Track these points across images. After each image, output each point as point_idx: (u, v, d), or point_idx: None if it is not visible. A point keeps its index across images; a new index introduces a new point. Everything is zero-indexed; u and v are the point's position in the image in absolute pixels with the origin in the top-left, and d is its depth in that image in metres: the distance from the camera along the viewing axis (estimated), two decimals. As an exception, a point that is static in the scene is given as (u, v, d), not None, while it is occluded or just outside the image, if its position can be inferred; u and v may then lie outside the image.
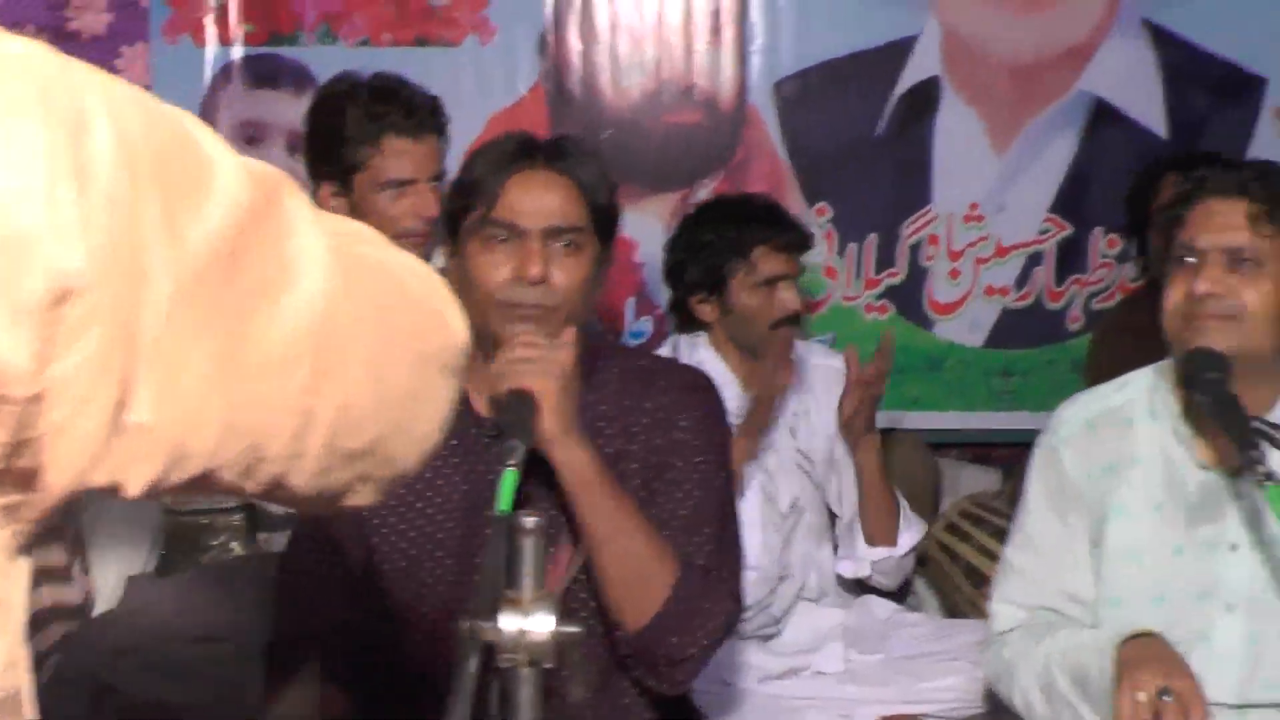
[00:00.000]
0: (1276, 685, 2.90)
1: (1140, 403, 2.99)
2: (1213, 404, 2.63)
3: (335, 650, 2.85)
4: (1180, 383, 2.77)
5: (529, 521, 1.92)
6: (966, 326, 5.40)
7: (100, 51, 5.23)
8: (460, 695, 1.84)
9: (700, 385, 2.94)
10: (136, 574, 3.39)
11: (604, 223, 2.82)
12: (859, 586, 4.32)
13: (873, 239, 5.35)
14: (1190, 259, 2.81)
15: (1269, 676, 2.89)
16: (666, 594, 2.65)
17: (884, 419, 5.06)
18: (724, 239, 4.16)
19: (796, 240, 4.18)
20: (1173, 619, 2.89)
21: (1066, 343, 5.30)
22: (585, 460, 2.62)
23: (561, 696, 2.59)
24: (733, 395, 4.09)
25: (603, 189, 2.83)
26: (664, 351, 4.34)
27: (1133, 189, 4.72)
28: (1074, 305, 5.37)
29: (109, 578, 3.38)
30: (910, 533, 4.20)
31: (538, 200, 2.73)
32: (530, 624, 1.88)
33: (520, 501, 2.67)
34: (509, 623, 1.88)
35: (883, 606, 4.27)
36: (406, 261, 1.30)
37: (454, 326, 1.35)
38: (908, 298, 5.38)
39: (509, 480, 2.25)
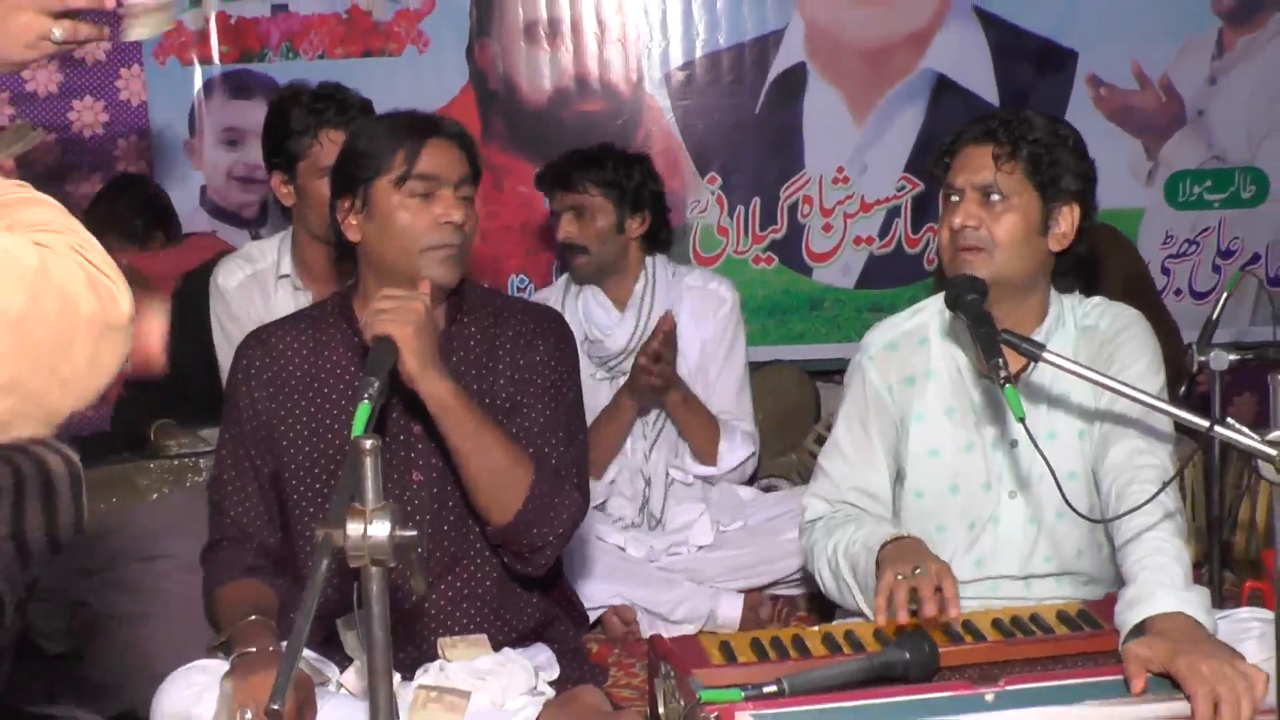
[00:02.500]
0: (1052, 558, 2.93)
1: (934, 324, 3.00)
2: (969, 322, 2.64)
3: (256, 549, 2.86)
4: (946, 304, 2.76)
5: (369, 444, 1.92)
6: (840, 271, 5.40)
7: (103, 74, 5.25)
8: (310, 589, 1.86)
9: (552, 318, 2.99)
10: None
11: (478, 181, 2.88)
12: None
13: (756, 201, 5.35)
14: (954, 197, 2.84)
15: (1045, 551, 2.93)
16: (524, 495, 2.69)
17: (773, 352, 5.14)
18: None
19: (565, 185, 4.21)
20: (966, 506, 2.93)
21: (924, 281, 5.28)
22: (445, 390, 2.63)
23: (406, 590, 2.61)
24: (604, 309, 4.25)
25: (478, 155, 2.88)
26: (554, 286, 4.45)
27: None
28: (929, 250, 5.36)
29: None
30: (734, 453, 4.17)
31: (448, 159, 2.78)
32: (372, 529, 1.89)
33: (399, 417, 2.72)
34: (354, 528, 1.89)
35: (745, 491, 4.29)
36: (68, 255, 1.54)
37: (111, 299, 1.54)
38: (789, 249, 5.38)
39: (361, 411, 2.28)
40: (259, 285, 3.76)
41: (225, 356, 3.75)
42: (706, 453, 4.16)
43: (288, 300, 3.71)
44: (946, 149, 2.90)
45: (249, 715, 2.45)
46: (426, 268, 2.72)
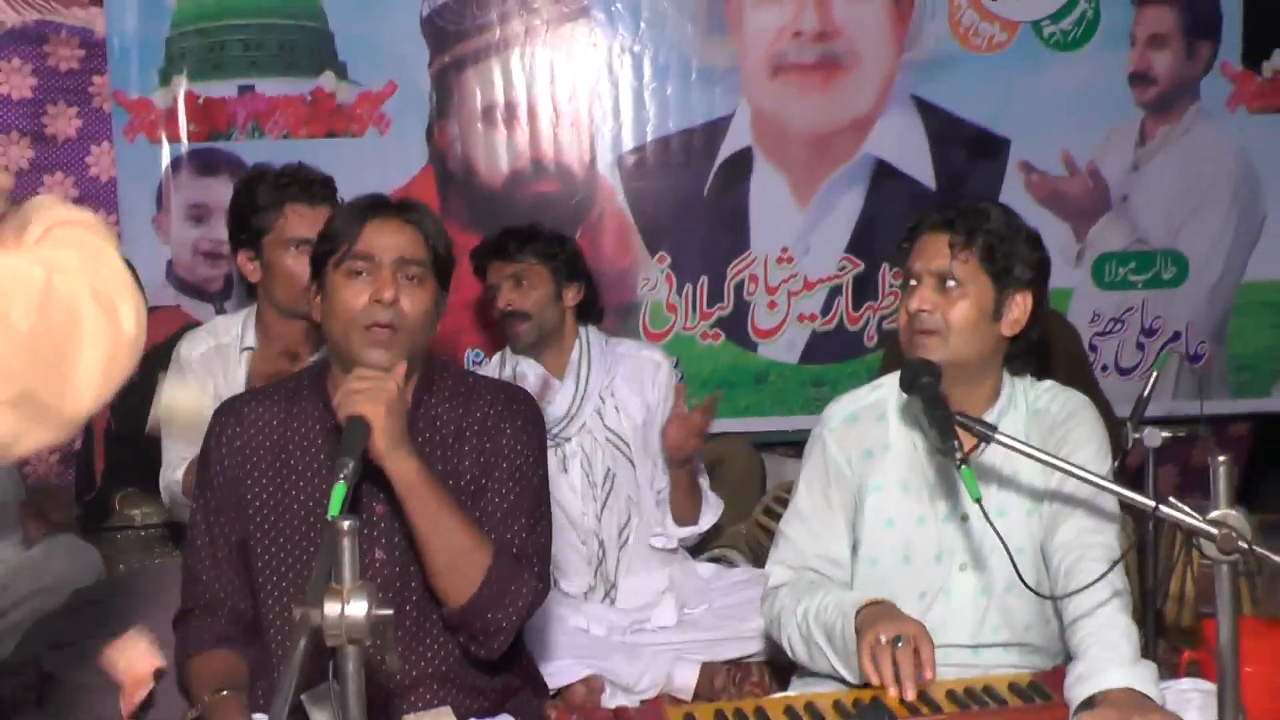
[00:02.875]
0: (1002, 628, 2.90)
1: (892, 400, 2.99)
2: (924, 404, 2.63)
3: (227, 617, 2.80)
4: (901, 386, 2.76)
5: (346, 525, 1.89)
6: (784, 347, 5.40)
7: (73, 151, 5.21)
8: (289, 667, 1.82)
9: (519, 399, 2.90)
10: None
11: (442, 266, 2.80)
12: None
13: (704, 279, 5.35)
14: (911, 282, 2.83)
15: (995, 621, 2.90)
16: (481, 578, 2.62)
17: (720, 425, 5.07)
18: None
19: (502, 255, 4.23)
20: (918, 576, 2.91)
21: (865, 357, 5.32)
22: (412, 469, 2.58)
23: (381, 668, 2.56)
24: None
25: (441, 239, 2.81)
26: (490, 362, 4.40)
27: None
28: (869, 327, 5.39)
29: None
30: (710, 514, 4.21)
31: (390, 239, 2.71)
32: (349, 609, 1.85)
33: (366, 490, 2.68)
34: (332, 608, 1.85)
35: (705, 568, 4.29)
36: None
37: (114, 310, 1.74)
38: (735, 326, 5.37)
39: (338, 491, 2.23)
40: (221, 358, 3.70)
41: (169, 418, 3.69)
42: (690, 514, 4.17)
43: (246, 373, 3.67)
44: (907, 235, 2.90)
45: None
46: (359, 348, 2.66)
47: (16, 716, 3.01)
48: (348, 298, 2.68)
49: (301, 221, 3.56)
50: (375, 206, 2.77)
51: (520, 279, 4.14)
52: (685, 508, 4.16)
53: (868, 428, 2.98)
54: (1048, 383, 3.00)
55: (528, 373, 4.18)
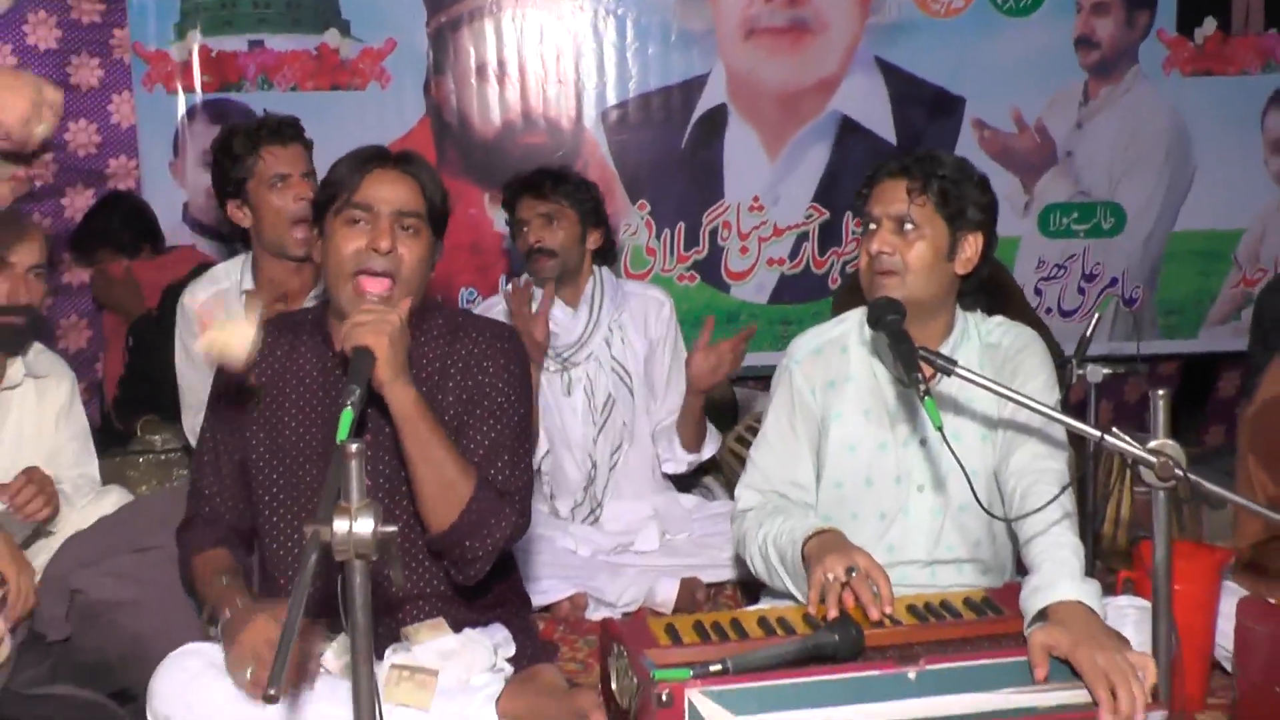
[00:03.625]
0: (955, 547, 2.91)
1: (853, 333, 2.98)
2: (889, 339, 2.61)
3: (226, 527, 2.82)
4: (869, 323, 2.74)
5: (354, 448, 1.87)
6: (754, 289, 5.39)
7: (96, 99, 5.15)
8: (301, 581, 1.80)
9: (503, 336, 2.84)
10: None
11: (437, 217, 2.77)
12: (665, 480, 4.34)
13: (681, 226, 5.33)
14: (871, 225, 2.81)
15: (950, 539, 2.91)
16: (463, 506, 2.58)
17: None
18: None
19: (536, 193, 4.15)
20: (879, 497, 2.91)
21: (829, 298, 5.26)
22: (409, 400, 2.54)
23: (386, 581, 2.54)
24: (558, 308, 4.19)
25: (437, 191, 2.77)
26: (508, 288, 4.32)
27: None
28: (833, 270, 5.37)
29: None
30: (711, 444, 4.24)
31: (389, 190, 2.67)
32: (357, 526, 1.83)
33: (364, 426, 2.65)
34: (341, 525, 1.82)
35: (688, 499, 4.29)
36: None
37: None
38: (709, 269, 5.36)
39: (345, 417, 2.20)
40: (222, 303, 3.67)
41: (182, 369, 3.73)
42: (696, 443, 4.18)
43: (233, 302, 3.65)
44: (866, 182, 2.87)
45: (249, 672, 2.39)
46: (354, 293, 2.62)
47: (46, 629, 2.99)
48: (344, 244, 2.65)
49: (277, 160, 3.56)
50: (376, 158, 2.73)
51: (551, 218, 4.09)
52: (693, 435, 4.17)
53: (830, 359, 2.98)
54: (998, 318, 2.99)
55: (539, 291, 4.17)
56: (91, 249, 5.00)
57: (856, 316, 2.98)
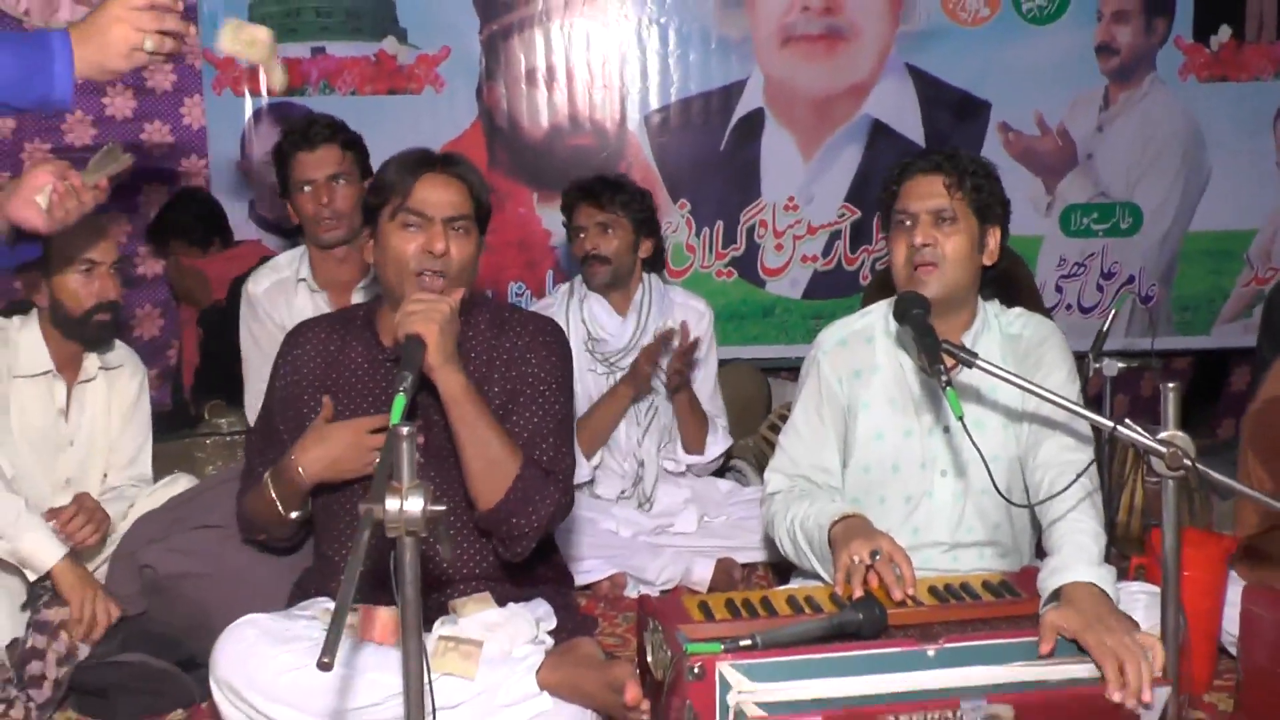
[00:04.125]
0: (975, 529, 2.91)
1: (879, 325, 2.97)
2: (915, 332, 2.61)
3: None
4: (895, 317, 2.73)
5: (405, 431, 1.88)
6: (789, 284, 5.37)
7: (169, 102, 5.20)
8: (355, 556, 1.81)
9: (548, 331, 2.86)
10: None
11: (483, 216, 2.78)
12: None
13: (720, 224, 5.32)
14: (906, 221, 2.80)
15: (971, 522, 2.90)
16: (509, 484, 2.59)
17: (732, 351, 5.12)
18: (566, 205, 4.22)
19: (594, 201, 4.12)
20: (904, 482, 2.91)
21: (859, 294, 5.24)
22: (458, 383, 2.56)
23: (434, 557, 2.55)
24: (608, 314, 4.18)
25: (484, 191, 2.79)
26: (560, 290, 4.33)
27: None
28: (864, 267, 5.34)
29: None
30: (717, 445, 4.17)
31: (440, 195, 2.69)
32: (408, 505, 1.84)
33: (415, 412, 2.66)
34: (392, 504, 1.83)
35: (724, 484, 4.26)
36: None
37: None
38: (746, 265, 5.35)
39: (398, 402, 2.22)
40: (282, 290, 3.73)
41: (248, 352, 3.78)
42: (697, 444, 4.13)
43: (305, 300, 3.69)
44: (895, 178, 2.85)
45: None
46: (412, 291, 2.63)
47: (127, 606, 3.02)
48: (401, 246, 2.67)
49: (303, 166, 3.60)
50: (426, 162, 2.74)
51: (607, 227, 4.07)
52: (690, 436, 4.13)
53: (857, 350, 2.97)
54: (1017, 309, 2.98)
55: (595, 307, 4.16)
56: (165, 241, 5.06)
57: (882, 309, 2.97)
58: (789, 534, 2.85)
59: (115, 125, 5.10)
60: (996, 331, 2.90)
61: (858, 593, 2.50)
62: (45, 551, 2.96)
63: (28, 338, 3.25)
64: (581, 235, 4.10)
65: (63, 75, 2.30)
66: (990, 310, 2.93)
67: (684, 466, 4.16)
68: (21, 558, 2.97)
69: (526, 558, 2.71)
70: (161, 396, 5.06)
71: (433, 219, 2.67)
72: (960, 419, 2.44)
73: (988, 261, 2.84)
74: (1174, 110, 5.41)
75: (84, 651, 2.93)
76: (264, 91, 2.82)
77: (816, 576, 2.82)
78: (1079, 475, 2.52)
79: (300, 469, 2.68)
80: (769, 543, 3.16)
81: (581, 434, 3.98)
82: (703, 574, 3.75)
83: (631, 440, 4.12)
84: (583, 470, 4.02)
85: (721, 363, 4.46)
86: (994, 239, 2.84)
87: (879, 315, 2.98)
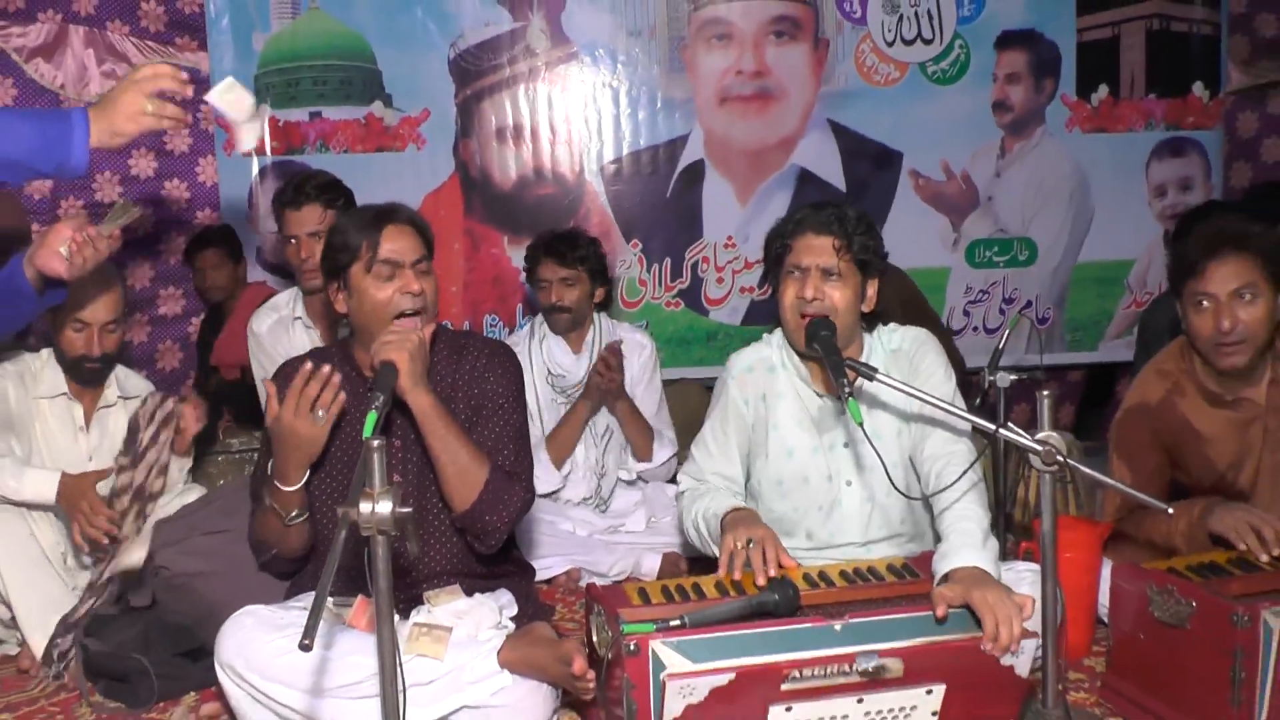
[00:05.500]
0: (883, 526, 2.94)
1: (776, 356, 2.99)
2: (822, 349, 2.64)
3: None
4: (805, 341, 2.76)
5: (376, 443, 1.91)
6: (729, 313, 5.39)
7: (186, 162, 5.22)
8: (332, 553, 1.84)
9: (501, 353, 2.87)
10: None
11: (432, 252, 2.78)
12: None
13: (668, 260, 5.33)
14: (796, 273, 2.82)
15: (878, 522, 2.93)
16: (480, 487, 2.62)
17: (680, 372, 5.15)
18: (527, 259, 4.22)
19: (558, 259, 4.12)
20: (815, 494, 2.93)
21: (790, 320, 5.30)
22: (428, 403, 2.59)
23: (405, 553, 2.57)
24: (564, 352, 4.18)
25: (428, 231, 2.79)
26: (523, 329, 4.35)
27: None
28: (794, 296, 5.36)
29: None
30: (664, 452, 4.17)
31: (404, 243, 2.70)
32: (378, 507, 1.87)
33: (392, 429, 2.68)
34: (365, 507, 1.86)
35: (671, 488, 4.25)
36: None
37: None
38: (691, 296, 5.37)
39: (370, 418, 2.25)
40: (282, 326, 3.74)
41: (257, 380, 3.80)
42: (645, 451, 4.14)
43: (301, 335, 3.69)
44: (788, 233, 2.86)
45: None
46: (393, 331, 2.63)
47: (132, 596, 3.04)
48: (379, 294, 2.67)
49: (289, 222, 3.58)
50: (382, 217, 2.72)
51: (569, 281, 4.08)
52: (638, 444, 4.14)
53: (762, 376, 2.98)
54: (892, 325, 3.00)
55: (553, 346, 4.18)
56: (197, 250, 5.06)
57: (776, 341, 3.00)
58: (694, 525, 2.89)
59: (139, 183, 5.11)
60: (881, 351, 2.93)
61: (738, 575, 2.55)
62: (44, 486, 3.12)
63: (49, 367, 3.36)
64: (545, 287, 4.11)
65: (80, 145, 2.33)
66: (873, 336, 2.96)
67: (634, 475, 4.17)
68: (27, 499, 3.13)
69: (491, 554, 2.74)
70: (179, 420, 5.07)
71: (403, 264, 2.68)
72: (860, 425, 2.48)
73: (866, 309, 2.87)
74: (1062, 158, 5.47)
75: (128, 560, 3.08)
76: (240, 147, 2.80)
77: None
78: (966, 470, 2.58)
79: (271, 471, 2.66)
80: (683, 536, 3.18)
81: (551, 447, 4.02)
82: (651, 566, 3.78)
83: (590, 459, 4.13)
84: (554, 479, 4.04)
85: (670, 382, 4.49)
86: (872, 288, 2.86)
87: (775, 348, 3.00)
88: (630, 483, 4.19)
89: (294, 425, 2.57)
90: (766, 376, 2.97)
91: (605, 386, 3.99)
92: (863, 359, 2.87)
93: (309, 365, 2.58)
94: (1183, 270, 2.94)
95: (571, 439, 4.09)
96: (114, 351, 3.34)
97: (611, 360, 3.98)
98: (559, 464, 4.07)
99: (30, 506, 3.18)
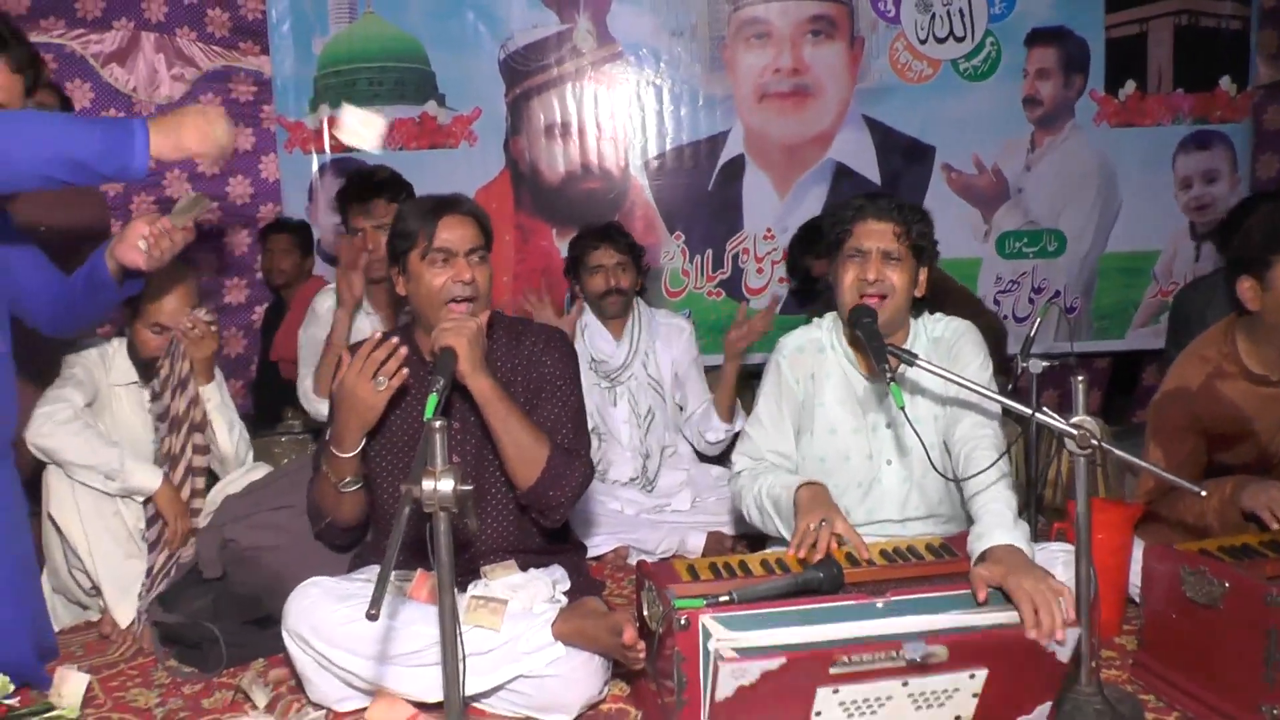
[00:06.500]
0: (920, 506, 2.91)
1: (826, 339, 2.97)
2: (865, 335, 2.63)
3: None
4: (848, 324, 2.76)
5: (438, 424, 1.90)
6: (768, 302, 5.35)
7: (249, 160, 5.26)
8: (396, 528, 1.84)
9: (557, 337, 2.87)
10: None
11: (490, 242, 2.78)
12: (699, 458, 4.29)
13: (709, 252, 5.31)
14: (857, 257, 2.80)
15: (915, 501, 2.90)
16: (543, 465, 2.62)
17: (720, 360, 5.06)
18: (573, 250, 4.20)
19: (612, 244, 4.11)
20: (855, 471, 2.91)
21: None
22: (488, 386, 2.58)
23: (465, 529, 2.57)
24: (605, 339, 4.16)
25: (488, 222, 2.79)
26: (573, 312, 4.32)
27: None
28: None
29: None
30: (741, 419, 4.14)
31: (460, 232, 2.70)
32: (440, 485, 1.86)
33: (451, 412, 2.68)
34: (428, 484, 1.86)
35: (715, 469, 4.26)
36: None
37: None
38: (732, 286, 5.34)
39: (431, 401, 2.24)
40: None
41: (304, 346, 3.81)
42: (728, 413, 4.10)
43: (361, 320, 3.70)
44: (848, 218, 2.85)
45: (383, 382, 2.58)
46: (444, 318, 2.64)
47: (204, 568, 3.05)
48: (433, 281, 2.67)
49: (356, 214, 3.61)
50: (441, 207, 2.73)
51: (622, 265, 4.08)
52: (726, 407, 4.10)
53: (810, 357, 2.97)
54: (938, 315, 2.98)
55: (595, 335, 4.16)
56: (271, 233, 5.09)
57: (828, 323, 2.99)
58: (756, 502, 2.86)
59: (205, 180, 5.14)
60: (924, 338, 2.91)
61: (802, 554, 2.53)
62: (149, 480, 3.18)
63: (120, 355, 3.40)
64: (599, 271, 4.09)
65: (140, 151, 2.40)
66: (919, 323, 2.94)
67: (723, 433, 4.11)
68: (131, 488, 3.17)
69: (547, 531, 2.74)
70: (244, 403, 5.10)
71: (456, 253, 2.68)
72: (902, 408, 2.46)
73: (918, 294, 2.86)
74: (1090, 151, 5.40)
75: (188, 552, 3.16)
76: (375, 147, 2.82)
77: (785, 543, 2.82)
78: (1001, 455, 2.55)
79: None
80: (737, 516, 3.16)
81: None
82: (696, 544, 3.76)
83: (634, 440, 4.12)
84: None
85: (712, 368, 4.46)
86: (924, 276, 2.86)
87: (826, 330, 2.99)
88: (680, 456, 4.19)
89: (355, 388, 2.58)
90: (816, 357, 2.96)
91: (744, 343, 4.03)
92: (907, 344, 2.86)
93: (379, 333, 2.59)
94: (1248, 258, 2.91)
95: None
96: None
97: (755, 322, 4.01)
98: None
99: (124, 495, 3.21)
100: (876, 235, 2.79)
